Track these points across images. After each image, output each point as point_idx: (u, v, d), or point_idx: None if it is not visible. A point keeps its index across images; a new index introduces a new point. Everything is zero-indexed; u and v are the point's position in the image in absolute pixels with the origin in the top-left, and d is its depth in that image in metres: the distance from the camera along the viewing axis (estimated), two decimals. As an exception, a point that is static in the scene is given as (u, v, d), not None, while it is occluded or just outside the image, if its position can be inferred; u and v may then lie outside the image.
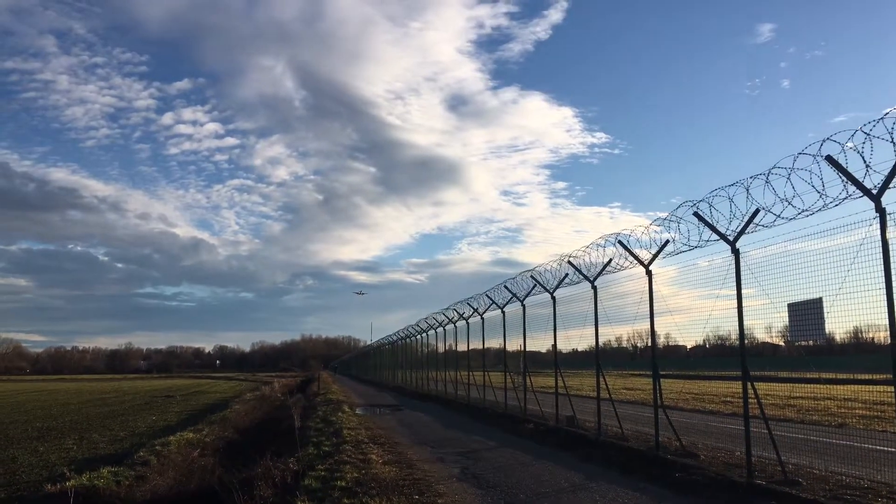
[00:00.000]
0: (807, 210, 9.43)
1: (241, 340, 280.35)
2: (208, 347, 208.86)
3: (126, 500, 12.90)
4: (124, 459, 16.31)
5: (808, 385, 13.30)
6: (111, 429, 24.39)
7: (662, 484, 10.90)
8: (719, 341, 17.47)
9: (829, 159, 8.66)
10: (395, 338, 53.70)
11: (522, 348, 21.67)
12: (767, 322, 11.92)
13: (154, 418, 28.91)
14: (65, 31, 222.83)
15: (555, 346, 18.52)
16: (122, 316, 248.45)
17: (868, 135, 8.44)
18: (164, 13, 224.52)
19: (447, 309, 31.27)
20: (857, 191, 8.58)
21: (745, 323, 10.70)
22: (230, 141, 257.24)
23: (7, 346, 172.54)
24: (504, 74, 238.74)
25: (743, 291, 10.67)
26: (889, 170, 8.23)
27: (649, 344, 13.63)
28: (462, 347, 30.35)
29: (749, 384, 10.51)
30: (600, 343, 15.75)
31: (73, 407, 36.77)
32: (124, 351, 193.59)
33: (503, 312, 23.05)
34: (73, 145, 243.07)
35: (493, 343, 25.62)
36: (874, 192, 8.34)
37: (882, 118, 8.28)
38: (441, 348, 35.35)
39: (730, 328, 11.85)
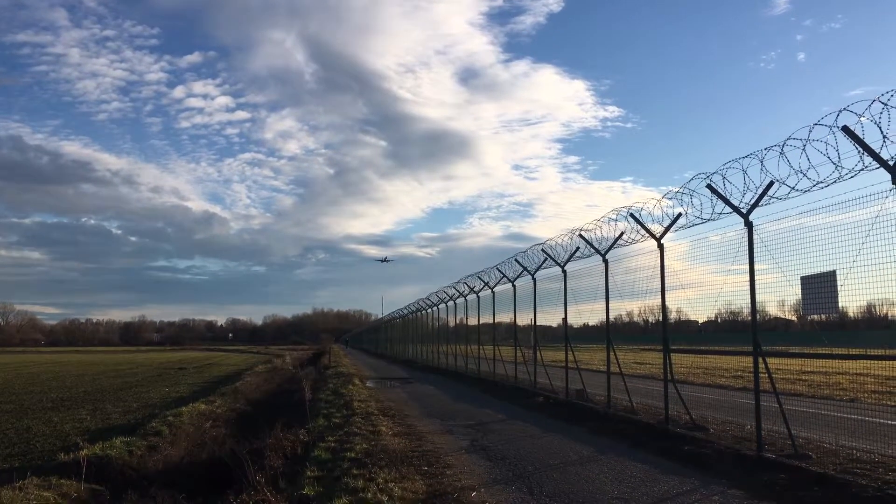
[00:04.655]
0: (822, 182, 9.26)
1: (254, 313, 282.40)
2: (221, 320, 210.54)
3: (138, 469, 13.07)
4: (137, 430, 16.48)
5: (820, 360, 13.20)
6: (124, 400, 24.64)
7: (671, 457, 10.89)
8: (731, 316, 17.38)
9: (846, 130, 8.48)
10: (405, 311, 53.88)
11: (533, 322, 21.66)
12: (780, 297, 11.84)
13: (167, 390, 29.18)
14: (76, 4, 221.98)
15: (565, 319, 18.49)
16: (135, 289, 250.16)
17: (885, 105, 8.25)
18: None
19: (458, 283, 31.28)
20: (874, 162, 8.39)
21: (758, 298, 10.61)
22: (241, 115, 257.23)
23: (22, 318, 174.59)
24: (516, 47, 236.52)
25: (755, 266, 10.56)
26: (907, 140, 8.05)
27: (660, 318, 13.56)
28: (473, 321, 30.40)
29: (760, 359, 10.44)
30: (611, 317, 15.71)
31: (86, 378, 37.17)
32: (138, 323, 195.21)
33: (514, 286, 23.00)
34: (86, 118, 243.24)
35: (504, 317, 25.63)
36: (891, 163, 8.17)
37: (901, 87, 8.08)
38: (452, 322, 35.43)
39: (741, 303, 11.74)
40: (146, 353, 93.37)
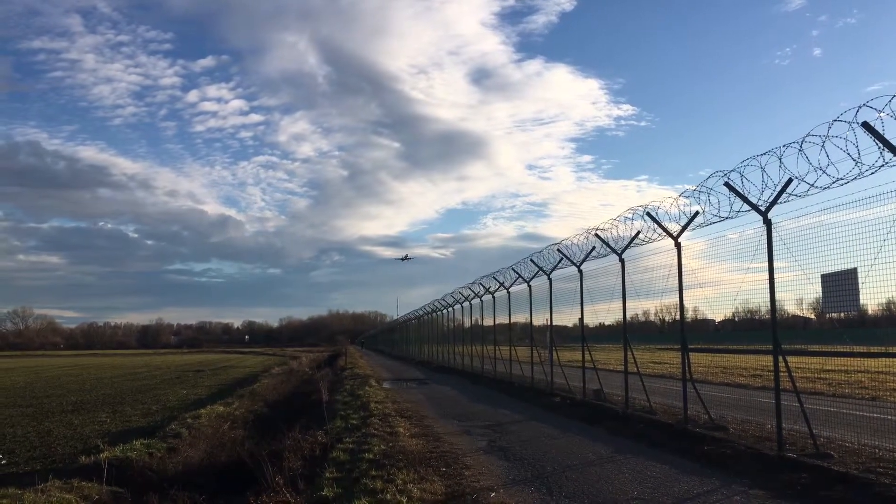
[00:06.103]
0: (842, 179, 9.17)
1: (270, 316, 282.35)
2: (237, 323, 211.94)
3: (159, 471, 13.15)
4: (156, 432, 16.62)
5: (840, 358, 13.06)
6: (143, 402, 24.83)
7: (691, 457, 10.81)
8: (749, 315, 17.27)
9: (866, 126, 8.40)
10: (421, 313, 53.88)
11: (549, 322, 21.60)
12: (798, 295, 11.72)
13: (185, 392, 29.38)
14: (90, 10, 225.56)
15: (581, 319, 18.42)
16: (152, 292, 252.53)
17: (906, 100, 8.16)
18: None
19: (473, 283, 31.25)
20: (895, 158, 8.33)
21: (776, 296, 10.51)
22: (255, 118, 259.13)
23: (41, 322, 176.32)
24: (528, 47, 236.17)
25: (774, 263, 10.47)
26: (928, 136, 7.96)
27: (677, 318, 13.48)
28: (488, 322, 30.36)
29: (780, 357, 10.36)
30: (628, 317, 15.63)
31: (105, 381, 37.49)
32: (155, 326, 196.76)
33: (529, 286, 22.94)
34: (101, 124, 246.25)
35: (520, 317, 25.57)
36: (912, 159, 8.09)
37: (922, 82, 7.99)
38: (467, 323, 35.40)
39: (760, 301, 11.68)
40: (164, 356, 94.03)
